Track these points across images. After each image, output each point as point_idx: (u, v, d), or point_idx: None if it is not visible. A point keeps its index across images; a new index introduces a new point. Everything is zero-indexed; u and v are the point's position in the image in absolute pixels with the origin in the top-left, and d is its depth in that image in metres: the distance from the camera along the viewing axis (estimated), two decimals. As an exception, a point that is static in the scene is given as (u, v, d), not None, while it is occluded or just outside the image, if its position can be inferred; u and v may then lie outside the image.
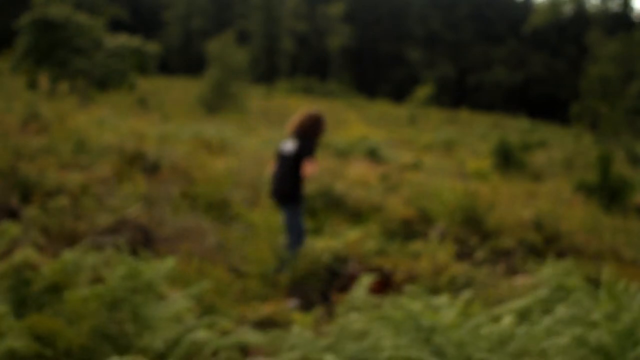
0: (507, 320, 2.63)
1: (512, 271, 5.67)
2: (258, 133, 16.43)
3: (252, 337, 2.57)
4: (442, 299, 2.75)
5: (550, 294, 3.23)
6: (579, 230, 7.21)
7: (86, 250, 3.12)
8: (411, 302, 2.64)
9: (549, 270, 3.65)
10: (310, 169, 5.11)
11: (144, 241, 4.90)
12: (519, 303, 3.02)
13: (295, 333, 2.67)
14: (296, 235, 5.19)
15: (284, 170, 5.23)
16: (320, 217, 6.73)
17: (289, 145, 5.26)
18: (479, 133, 28.26)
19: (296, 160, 5.17)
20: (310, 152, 5.17)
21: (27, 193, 5.75)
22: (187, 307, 2.77)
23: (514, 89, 54.87)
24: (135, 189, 6.37)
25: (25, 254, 2.75)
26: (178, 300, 2.78)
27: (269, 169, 5.50)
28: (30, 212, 5.08)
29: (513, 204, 8.20)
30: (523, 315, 2.96)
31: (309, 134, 5.28)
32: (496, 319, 2.77)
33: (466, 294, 3.00)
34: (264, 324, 3.60)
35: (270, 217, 5.98)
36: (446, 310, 2.63)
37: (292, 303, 4.37)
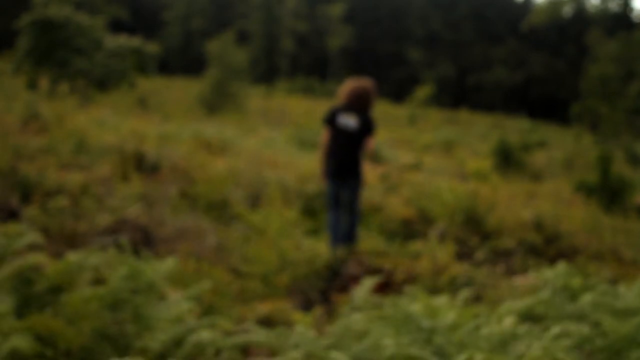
0: (509, 321, 2.63)
1: (512, 271, 5.67)
2: (258, 133, 16.42)
3: (256, 336, 2.57)
4: (442, 300, 2.75)
5: (553, 294, 3.23)
6: (579, 231, 7.21)
7: (90, 252, 3.12)
8: (410, 304, 2.65)
9: (552, 271, 3.66)
10: (372, 145, 5.22)
11: (144, 241, 4.90)
12: (522, 303, 3.03)
13: (297, 332, 2.67)
14: (359, 211, 5.34)
15: (350, 148, 5.23)
16: (320, 217, 6.73)
17: (352, 122, 5.21)
18: (479, 133, 28.25)
19: (360, 136, 5.20)
20: (374, 129, 5.23)
21: (27, 193, 5.74)
22: (188, 308, 2.77)
23: (514, 89, 54.84)
24: (135, 189, 6.37)
25: (32, 256, 2.75)
26: (179, 302, 2.78)
27: (324, 139, 5.40)
28: (30, 212, 5.08)
29: (513, 204, 8.20)
30: (525, 316, 2.96)
31: (367, 107, 5.28)
32: (498, 320, 2.77)
33: (464, 293, 3.01)
34: (264, 324, 3.60)
35: (270, 217, 5.97)
36: (446, 310, 2.63)
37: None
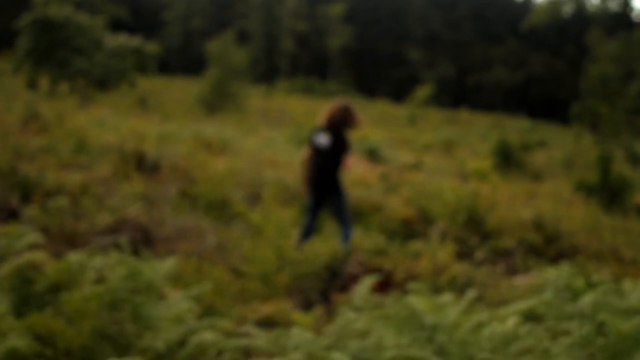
0: (512, 322, 2.62)
1: (512, 271, 5.67)
2: (258, 133, 16.42)
3: (257, 338, 2.56)
4: (446, 298, 2.75)
5: (555, 294, 3.23)
6: (579, 230, 7.21)
7: (91, 252, 3.12)
8: (416, 300, 2.64)
9: (552, 271, 3.65)
10: (350, 163, 5.38)
11: (144, 241, 4.90)
12: (524, 304, 3.01)
13: (297, 332, 2.66)
14: (348, 222, 5.45)
15: (322, 165, 5.42)
16: (320, 217, 6.72)
17: (323, 140, 5.43)
18: (479, 133, 28.24)
19: (332, 154, 5.36)
20: (346, 148, 5.38)
21: (27, 193, 5.74)
22: (188, 308, 2.77)
23: (514, 89, 54.82)
24: (135, 189, 6.36)
25: (31, 254, 2.75)
26: (179, 302, 2.78)
27: (304, 156, 5.67)
28: (30, 212, 5.07)
29: (513, 204, 8.20)
30: (528, 316, 2.95)
31: (340, 126, 5.45)
32: (500, 320, 2.76)
33: (471, 293, 3.00)
34: (264, 324, 3.59)
35: (271, 217, 5.96)
36: (450, 309, 2.62)
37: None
